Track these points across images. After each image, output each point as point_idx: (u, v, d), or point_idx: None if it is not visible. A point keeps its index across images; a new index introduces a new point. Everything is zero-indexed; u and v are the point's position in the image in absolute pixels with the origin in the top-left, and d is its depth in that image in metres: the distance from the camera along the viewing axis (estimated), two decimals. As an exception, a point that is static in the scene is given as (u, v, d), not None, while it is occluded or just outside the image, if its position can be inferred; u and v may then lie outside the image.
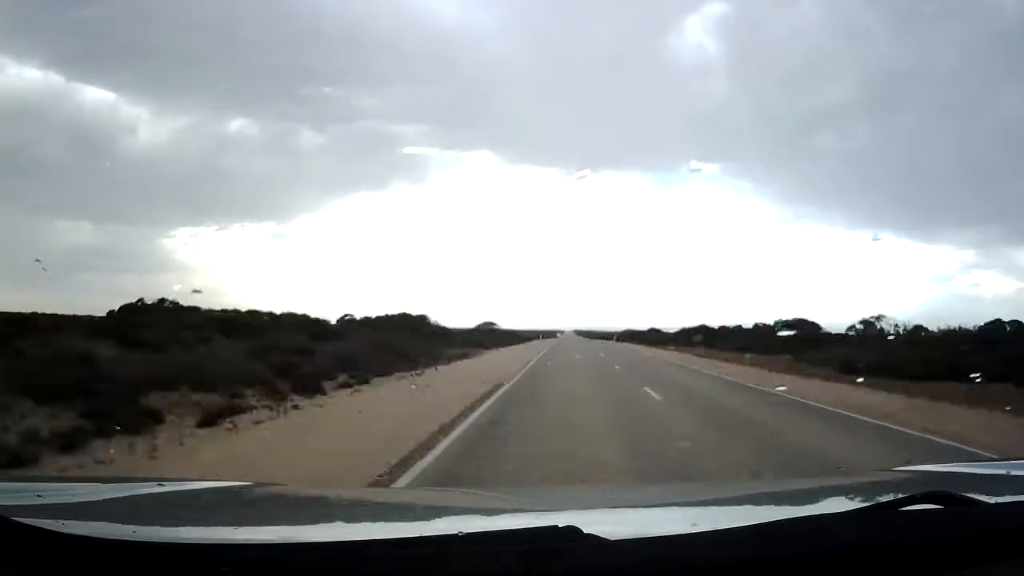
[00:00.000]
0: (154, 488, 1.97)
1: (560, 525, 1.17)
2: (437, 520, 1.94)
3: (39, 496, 1.62)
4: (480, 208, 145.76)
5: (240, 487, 2.13)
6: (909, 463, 2.84)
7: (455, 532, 1.22)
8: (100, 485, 1.97)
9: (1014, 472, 2.08)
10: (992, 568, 1.22)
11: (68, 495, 1.65)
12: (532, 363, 33.38)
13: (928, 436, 11.67)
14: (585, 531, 1.16)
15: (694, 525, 1.37)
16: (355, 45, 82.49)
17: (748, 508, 2.03)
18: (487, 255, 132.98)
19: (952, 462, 2.64)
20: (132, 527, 1.31)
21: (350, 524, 1.81)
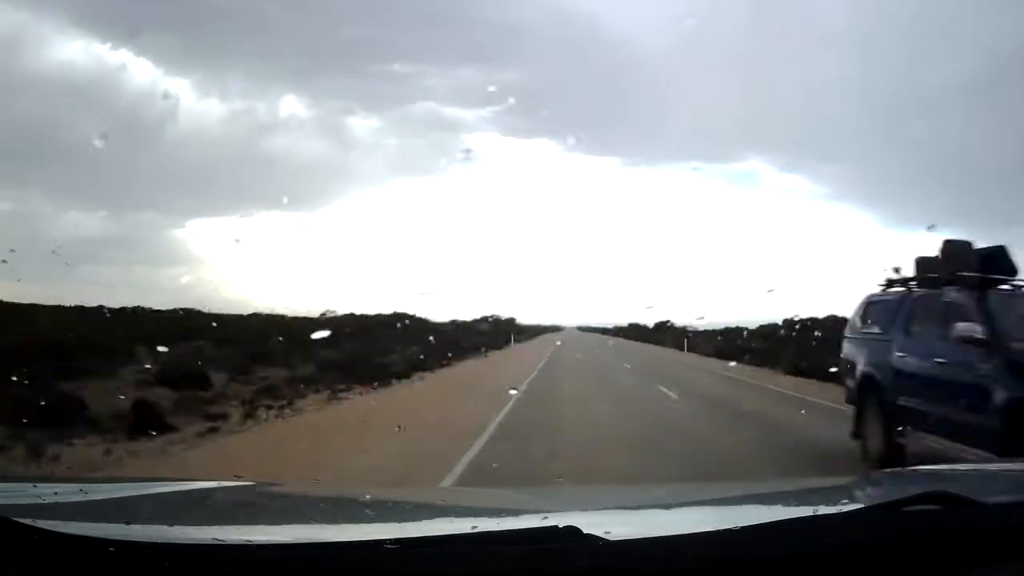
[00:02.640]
0: (154, 488, 1.98)
1: (560, 525, 1.17)
2: (437, 520, 1.94)
3: (39, 496, 1.62)
4: (530, 197, 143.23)
5: (241, 487, 2.13)
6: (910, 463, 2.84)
7: (455, 532, 1.22)
8: (100, 485, 1.97)
9: (1014, 472, 2.09)
10: (992, 568, 1.22)
11: (68, 495, 1.64)
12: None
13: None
14: (585, 531, 1.16)
15: (694, 526, 1.37)
16: (437, 19, 75.54)
17: (748, 508, 2.03)
18: (519, 244, 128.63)
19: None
20: (132, 527, 1.31)
21: (351, 524, 1.81)
